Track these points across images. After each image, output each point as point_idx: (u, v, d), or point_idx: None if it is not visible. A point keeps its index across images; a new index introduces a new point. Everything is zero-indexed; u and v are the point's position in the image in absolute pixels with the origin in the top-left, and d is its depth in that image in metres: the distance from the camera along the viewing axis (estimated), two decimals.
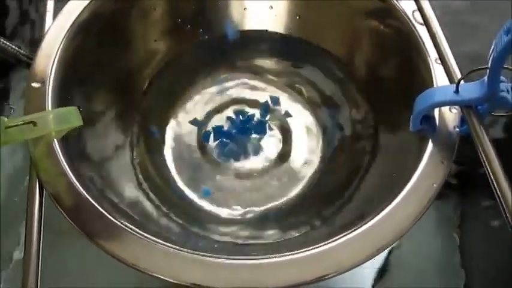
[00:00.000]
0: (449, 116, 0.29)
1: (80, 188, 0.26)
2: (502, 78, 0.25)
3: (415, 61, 0.32)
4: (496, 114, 0.26)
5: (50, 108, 0.29)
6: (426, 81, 0.30)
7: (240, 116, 0.40)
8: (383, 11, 0.35)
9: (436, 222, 0.40)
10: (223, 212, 0.36)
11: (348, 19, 0.39)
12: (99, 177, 0.31)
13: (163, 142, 0.39)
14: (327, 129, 0.39)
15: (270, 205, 0.36)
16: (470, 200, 0.40)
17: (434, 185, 0.26)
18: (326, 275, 0.23)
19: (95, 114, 0.35)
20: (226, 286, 0.23)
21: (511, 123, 0.37)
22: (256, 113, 0.41)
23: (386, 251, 0.39)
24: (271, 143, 0.39)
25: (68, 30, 0.32)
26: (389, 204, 0.25)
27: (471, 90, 0.25)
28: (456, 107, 0.29)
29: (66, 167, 0.27)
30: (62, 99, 0.30)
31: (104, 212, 0.25)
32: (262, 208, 0.36)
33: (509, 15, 0.41)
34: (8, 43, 0.36)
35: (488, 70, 0.24)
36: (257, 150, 0.39)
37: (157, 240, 0.24)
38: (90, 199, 0.26)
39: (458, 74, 0.28)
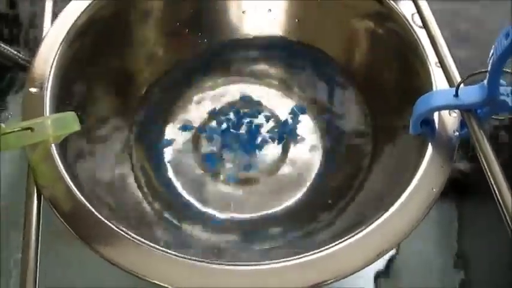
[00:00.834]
0: (449, 119, 0.29)
1: (78, 193, 0.26)
2: (502, 81, 0.24)
3: (414, 64, 0.32)
4: (496, 117, 0.26)
5: (48, 113, 0.29)
6: (426, 84, 0.30)
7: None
8: (382, 14, 0.35)
9: (435, 224, 0.40)
10: (222, 217, 0.36)
11: (347, 22, 0.39)
12: (96, 182, 0.31)
13: (161, 146, 0.39)
14: (325, 133, 0.39)
15: (268, 211, 0.36)
16: (470, 202, 0.40)
17: (434, 190, 0.26)
18: (324, 281, 0.23)
19: (93, 119, 0.34)
20: None
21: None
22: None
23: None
24: (270, 148, 0.39)
25: (66, 34, 0.32)
26: (389, 209, 0.25)
27: (471, 93, 0.25)
28: (456, 110, 0.29)
29: (64, 172, 0.27)
30: (60, 104, 0.30)
31: (100, 217, 0.25)
32: (261, 213, 0.36)
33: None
34: (6, 47, 0.36)
35: (488, 74, 0.23)
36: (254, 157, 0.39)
37: (155, 245, 0.24)
38: (88, 204, 0.26)
39: (458, 78, 0.28)
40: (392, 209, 0.25)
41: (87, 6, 0.33)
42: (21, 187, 0.26)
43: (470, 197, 0.40)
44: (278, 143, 0.39)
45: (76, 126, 0.27)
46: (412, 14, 0.33)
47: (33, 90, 0.29)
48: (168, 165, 0.38)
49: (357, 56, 0.40)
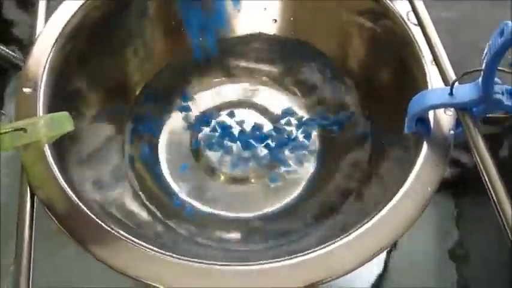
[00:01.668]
0: (444, 118, 0.29)
1: (71, 193, 0.26)
2: (497, 80, 0.24)
3: (409, 62, 0.32)
4: (491, 116, 0.26)
5: (41, 113, 0.29)
6: (421, 83, 0.30)
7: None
8: (378, 12, 0.35)
9: (433, 222, 0.40)
10: (218, 217, 0.36)
11: (343, 21, 0.38)
12: (90, 183, 0.31)
13: (156, 146, 0.39)
14: (321, 132, 0.39)
15: (265, 210, 0.36)
16: (468, 199, 0.40)
17: (429, 189, 0.26)
18: (320, 280, 0.23)
19: (87, 119, 0.34)
20: None
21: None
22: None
23: (384, 252, 0.39)
24: (262, 148, 0.39)
25: (59, 34, 0.32)
26: (384, 208, 0.25)
27: (466, 92, 0.25)
28: (451, 109, 0.28)
29: (57, 172, 0.27)
30: (54, 104, 0.30)
31: (94, 217, 0.25)
32: (257, 213, 0.36)
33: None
34: (1, 47, 0.36)
35: (482, 72, 0.23)
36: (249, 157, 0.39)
37: (149, 246, 0.24)
38: (81, 205, 0.26)
39: (452, 76, 0.28)
40: (387, 208, 0.25)
41: (80, 6, 0.33)
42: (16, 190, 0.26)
43: (469, 192, 0.40)
44: (273, 142, 0.39)
45: (69, 127, 0.27)
46: (407, 12, 0.33)
47: (26, 90, 0.29)
48: (164, 166, 0.38)
49: (352, 54, 0.40)
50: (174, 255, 0.24)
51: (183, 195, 0.37)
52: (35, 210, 0.25)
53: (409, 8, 0.33)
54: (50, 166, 0.27)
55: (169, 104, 0.41)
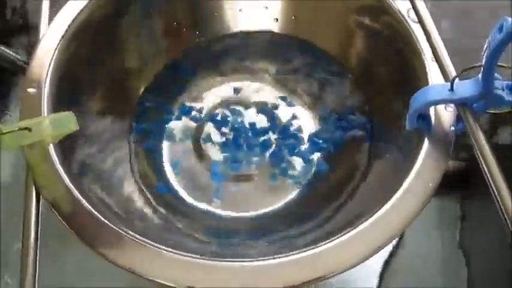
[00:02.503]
0: (445, 114, 0.29)
1: (76, 193, 0.26)
2: (497, 75, 0.24)
3: (410, 59, 0.32)
4: (491, 112, 0.26)
5: (45, 113, 0.29)
6: (421, 79, 0.30)
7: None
8: (378, 9, 0.35)
9: (437, 221, 0.40)
10: (221, 214, 0.36)
11: (343, 18, 0.39)
12: (95, 182, 0.31)
13: (160, 144, 0.39)
14: (322, 129, 0.39)
15: (267, 208, 0.36)
16: (472, 198, 0.40)
17: (430, 185, 0.26)
18: (319, 277, 0.23)
19: (91, 119, 0.35)
20: None
21: None
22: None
23: (388, 251, 0.39)
24: (265, 146, 0.39)
25: (63, 35, 0.32)
26: (385, 205, 0.25)
27: (466, 88, 0.25)
28: (452, 105, 0.29)
29: (62, 172, 0.27)
30: (58, 104, 0.30)
31: (100, 216, 0.25)
32: (259, 211, 0.36)
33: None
34: (5, 49, 0.36)
35: (482, 68, 0.24)
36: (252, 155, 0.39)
37: (155, 244, 0.24)
38: (87, 204, 0.26)
39: (453, 72, 0.28)
40: (388, 205, 0.25)
41: (84, 7, 0.33)
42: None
43: (473, 189, 0.40)
44: (274, 141, 0.39)
45: (74, 126, 0.27)
46: (408, 10, 0.33)
47: (31, 90, 0.29)
48: (168, 164, 0.38)
49: (353, 51, 0.40)
50: (181, 252, 0.24)
51: (187, 193, 0.37)
52: (40, 209, 0.26)
53: (410, 5, 0.33)
54: (55, 166, 0.27)
55: (171, 103, 0.41)
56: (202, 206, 0.36)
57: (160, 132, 0.40)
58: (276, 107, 0.41)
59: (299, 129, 0.40)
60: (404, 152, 0.30)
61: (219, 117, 0.40)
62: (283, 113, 0.41)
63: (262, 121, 0.40)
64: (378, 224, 0.25)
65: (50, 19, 0.33)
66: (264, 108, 0.41)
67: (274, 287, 0.23)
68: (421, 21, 0.32)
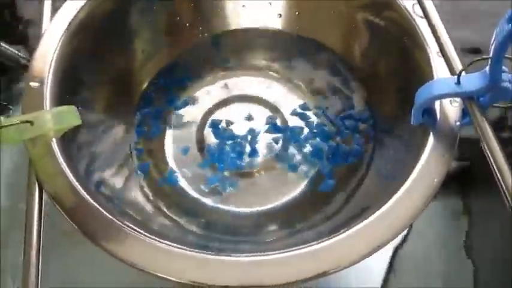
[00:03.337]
0: (451, 109, 0.28)
1: (79, 187, 0.26)
2: (504, 68, 0.24)
3: (415, 54, 0.32)
4: (498, 105, 0.26)
5: (48, 107, 0.29)
6: (426, 74, 0.30)
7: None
8: (382, 4, 0.35)
9: (442, 217, 0.39)
10: (225, 210, 0.35)
11: (347, 13, 0.38)
12: (98, 176, 0.31)
13: (163, 140, 0.39)
14: (326, 125, 0.39)
15: (271, 203, 0.36)
16: (477, 194, 0.40)
17: (436, 180, 0.26)
18: (324, 272, 0.23)
19: (94, 113, 0.34)
20: (227, 283, 0.23)
21: None
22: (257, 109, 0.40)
23: (393, 248, 0.39)
24: (270, 141, 0.39)
25: (65, 29, 0.32)
26: (390, 200, 0.25)
27: (473, 81, 0.25)
28: (457, 100, 0.28)
29: (65, 166, 0.27)
30: (61, 98, 0.30)
31: (103, 211, 0.25)
32: (262, 207, 0.36)
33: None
34: (7, 46, 0.36)
35: (489, 60, 0.23)
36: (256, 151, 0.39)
37: (158, 239, 0.24)
38: (89, 198, 0.26)
39: (459, 66, 0.28)
40: (393, 199, 0.25)
41: (87, 2, 0.33)
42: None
43: (477, 186, 0.40)
44: (278, 136, 0.39)
45: (76, 121, 0.27)
46: (413, 5, 0.33)
47: (33, 84, 0.29)
48: (171, 159, 0.38)
49: (357, 47, 0.40)
50: (185, 247, 0.24)
51: (189, 189, 0.37)
52: (43, 204, 0.25)
53: (415, 0, 0.33)
54: (58, 160, 0.27)
55: (174, 98, 0.41)
56: (205, 200, 0.36)
57: (163, 127, 0.39)
58: (279, 103, 0.40)
59: (303, 125, 0.39)
60: (410, 147, 0.29)
61: (222, 114, 0.40)
62: (287, 109, 0.40)
63: (265, 117, 0.40)
64: (383, 219, 0.24)
65: (52, 14, 0.33)
66: (266, 104, 0.41)
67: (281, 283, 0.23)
68: (426, 16, 0.31)
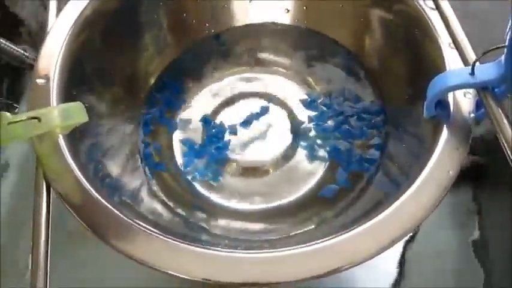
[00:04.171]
0: (464, 101, 0.28)
1: (87, 185, 0.26)
2: None
3: (427, 47, 0.31)
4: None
5: (54, 104, 0.28)
6: (438, 66, 0.30)
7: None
8: None
9: (453, 215, 0.39)
10: (234, 207, 0.35)
11: (357, 7, 0.38)
12: (105, 173, 0.31)
13: (171, 137, 0.39)
14: (336, 120, 0.38)
15: (282, 199, 0.35)
16: (489, 192, 0.39)
17: (450, 172, 0.25)
18: (340, 267, 0.23)
19: (101, 110, 0.34)
20: (238, 281, 0.23)
21: None
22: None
23: (402, 247, 0.38)
24: (280, 136, 0.38)
25: (72, 26, 0.32)
26: (404, 193, 0.24)
27: (487, 71, 0.24)
28: (471, 92, 0.28)
29: (73, 164, 0.26)
30: (67, 95, 0.30)
31: (112, 208, 0.25)
32: (273, 203, 0.35)
33: None
34: (13, 46, 0.36)
35: (505, 49, 0.23)
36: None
37: (167, 236, 0.24)
38: (98, 196, 0.25)
39: (473, 57, 0.27)
40: (407, 193, 0.25)
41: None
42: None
43: (489, 185, 0.39)
44: (289, 132, 0.39)
45: (84, 117, 0.27)
46: None
47: (39, 81, 0.29)
48: (179, 156, 0.38)
49: (367, 41, 0.39)
50: (195, 244, 0.23)
51: (198, 186, 0.36)
52: (51, 202, 0.25)
53: None
54: (65, 158, 0.27)
55: (182, 94, 0.40)
56: (214, 197, 0.36)
57: (171, 123, 0.39)
58: (288, 98, 0.40)
59: (313, 119, 0.39)
60: (423, 141, 0.29)
61: (230, 110, 0.40)
62: (297, 104, 0.40)
63: (274, 113, 0.40)
64: (397, 214, 0.24)
65: (58, 11, 0.32)
66: (276, 99, 0.40)
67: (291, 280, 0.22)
68: (438, 7, 0.31)
